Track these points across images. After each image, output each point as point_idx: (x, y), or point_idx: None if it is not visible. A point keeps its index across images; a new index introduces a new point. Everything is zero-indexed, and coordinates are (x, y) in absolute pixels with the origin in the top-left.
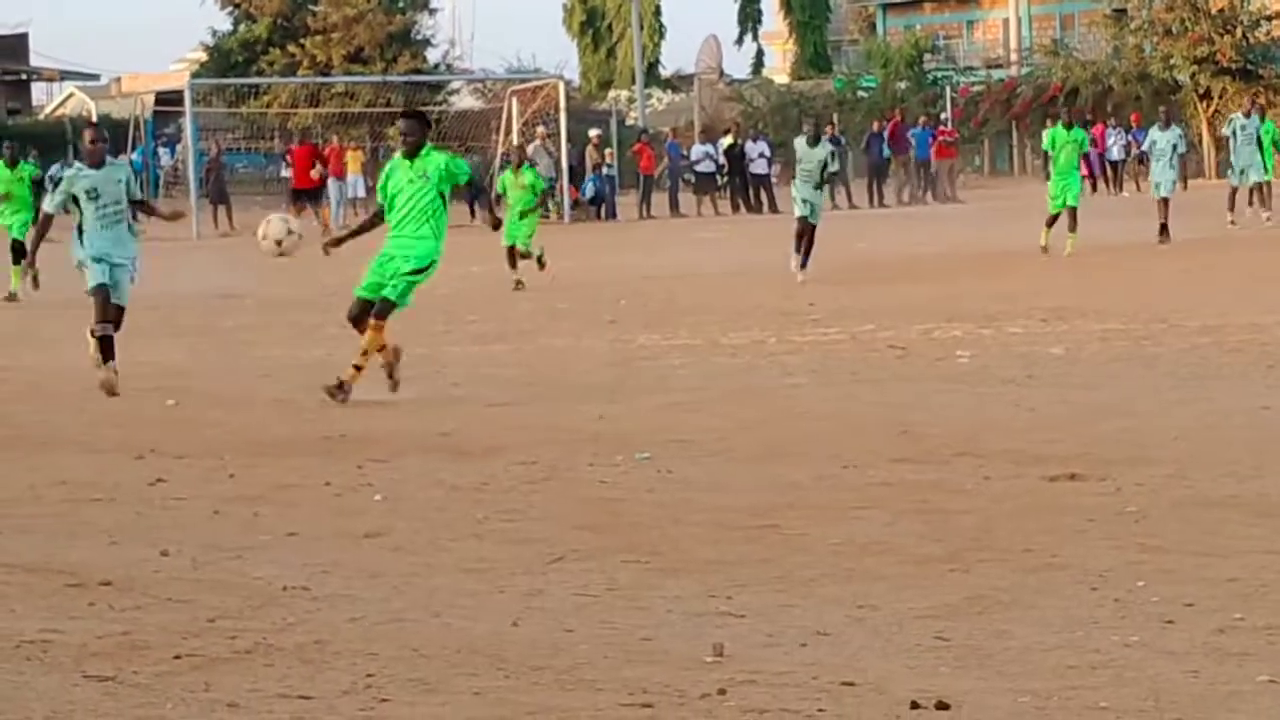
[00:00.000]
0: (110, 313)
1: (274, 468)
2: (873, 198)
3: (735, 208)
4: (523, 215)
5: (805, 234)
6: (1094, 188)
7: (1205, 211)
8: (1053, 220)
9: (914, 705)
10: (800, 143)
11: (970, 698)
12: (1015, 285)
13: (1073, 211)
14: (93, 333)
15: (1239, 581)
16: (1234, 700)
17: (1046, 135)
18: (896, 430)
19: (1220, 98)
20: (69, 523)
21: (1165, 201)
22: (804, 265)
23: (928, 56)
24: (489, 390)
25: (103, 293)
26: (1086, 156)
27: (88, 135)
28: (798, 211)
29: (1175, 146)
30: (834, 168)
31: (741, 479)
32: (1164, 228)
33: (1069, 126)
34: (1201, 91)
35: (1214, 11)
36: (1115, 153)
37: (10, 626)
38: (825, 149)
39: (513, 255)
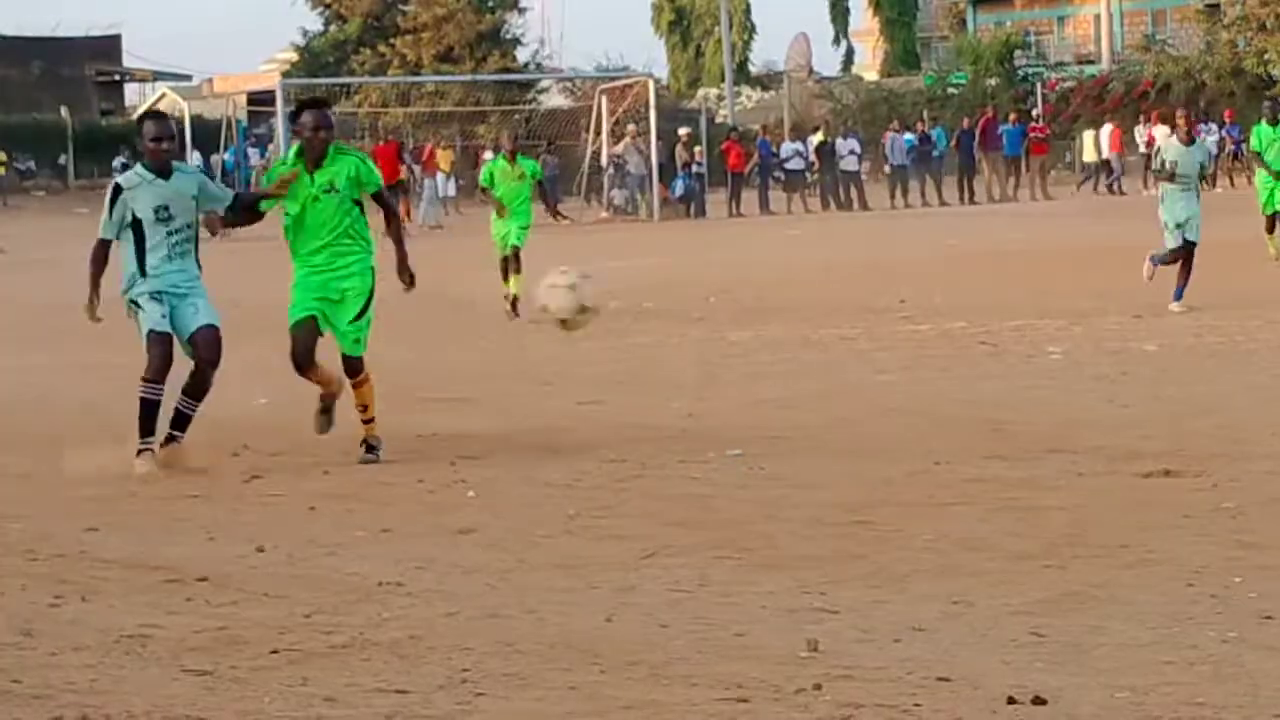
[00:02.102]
0: (165, 366)
1: (368, 466)
2: (963, 194)
3: (825, 205)
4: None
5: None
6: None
7: None
8: (1270, 224)
9: (1010, 700)
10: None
11: (1066, 693)
12: (1107, 282)
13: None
14: (143, 401)
15: None
16: None
17: (1254, 134)
18: (988, 427)
19: None
20: (166, 519)
21: None
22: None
23: (1018, 53)
24: (579, 388)
25: (163, 343)
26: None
27: (150, 129)
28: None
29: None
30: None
31: (833, 475)
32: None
33: (1274, 123)
34: None
35: None
36: (1210, 148)
37: (110, 621)
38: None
39: (511, 264)
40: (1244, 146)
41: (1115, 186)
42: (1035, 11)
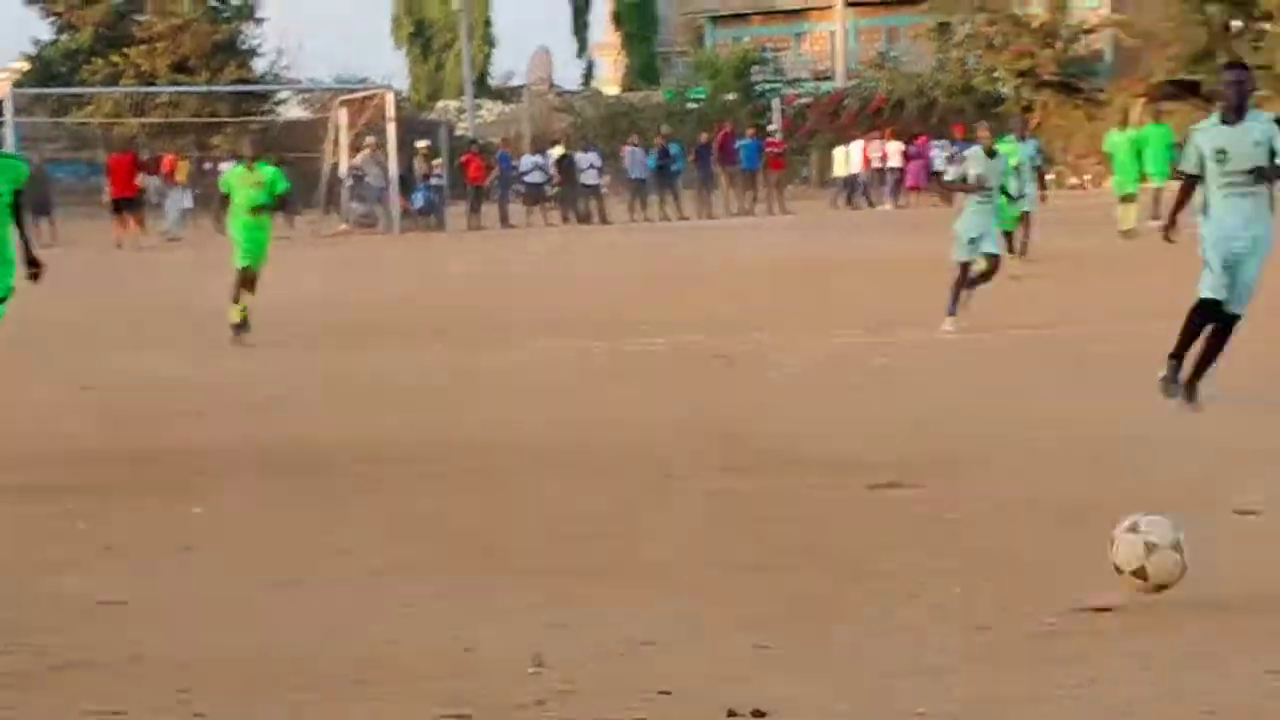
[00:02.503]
0: None
1: (89, 483)
2: (702, 209)
3: (565, 218)
4: (253, 213)
5: None
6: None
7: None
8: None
9: (731, 714)
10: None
11: (787, 705)
12: (841, 295)
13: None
14: None
15: (1052, 585)
16: (1047, 703)
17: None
18: (721, 439)
19: (1042, 110)
20: None
21: (1026, 215)
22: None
23: (755, 68)
24: (307, 406)
25: None
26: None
27: None
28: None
29: (1032, 159)
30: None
31: (567, 489)
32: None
33: (1022, 138)
34: (1024, 104)
35: (1035, 25)
36: (940, 164)
37: None
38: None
39: (246, 283)
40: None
41: (892, 198)
42: (772, 28)
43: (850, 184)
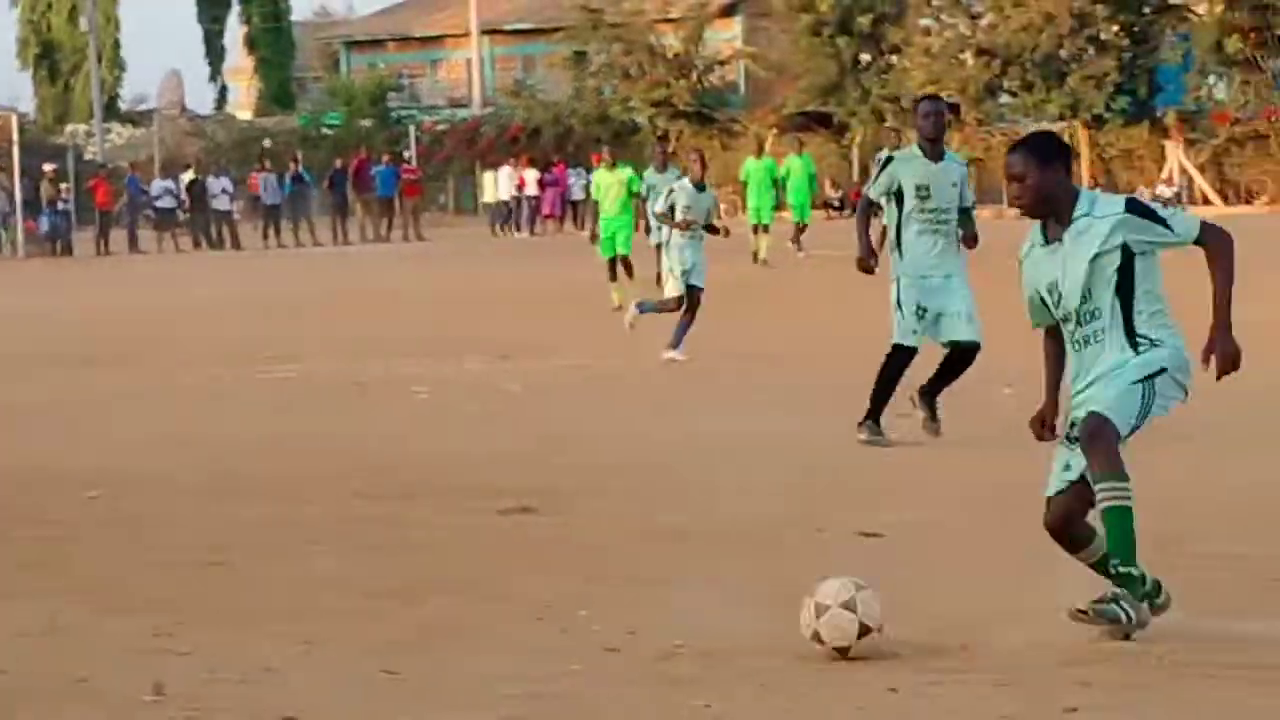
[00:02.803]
0: None
1: None
2: (336, 235)
3: (196, 244)
4: None
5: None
6: (561, 226)
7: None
8: (612, 270)
9: None
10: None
11: None
12: (475, 322)
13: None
14: None
15: (680, 609)
16: None
17: (593, 180)
18: (354, 466)
19: (678, 140)
20: None
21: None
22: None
23: (391, 95)
24: None
25: None
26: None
27: None
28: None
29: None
30: None
31: (192, 516)
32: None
33: (611, 167)
34: (659, 133)
35: (670, 56)
36: (576, 192)
37: None
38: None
39: None
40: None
41: (529, 225)
42: (408, 55)
43: (502, 211)
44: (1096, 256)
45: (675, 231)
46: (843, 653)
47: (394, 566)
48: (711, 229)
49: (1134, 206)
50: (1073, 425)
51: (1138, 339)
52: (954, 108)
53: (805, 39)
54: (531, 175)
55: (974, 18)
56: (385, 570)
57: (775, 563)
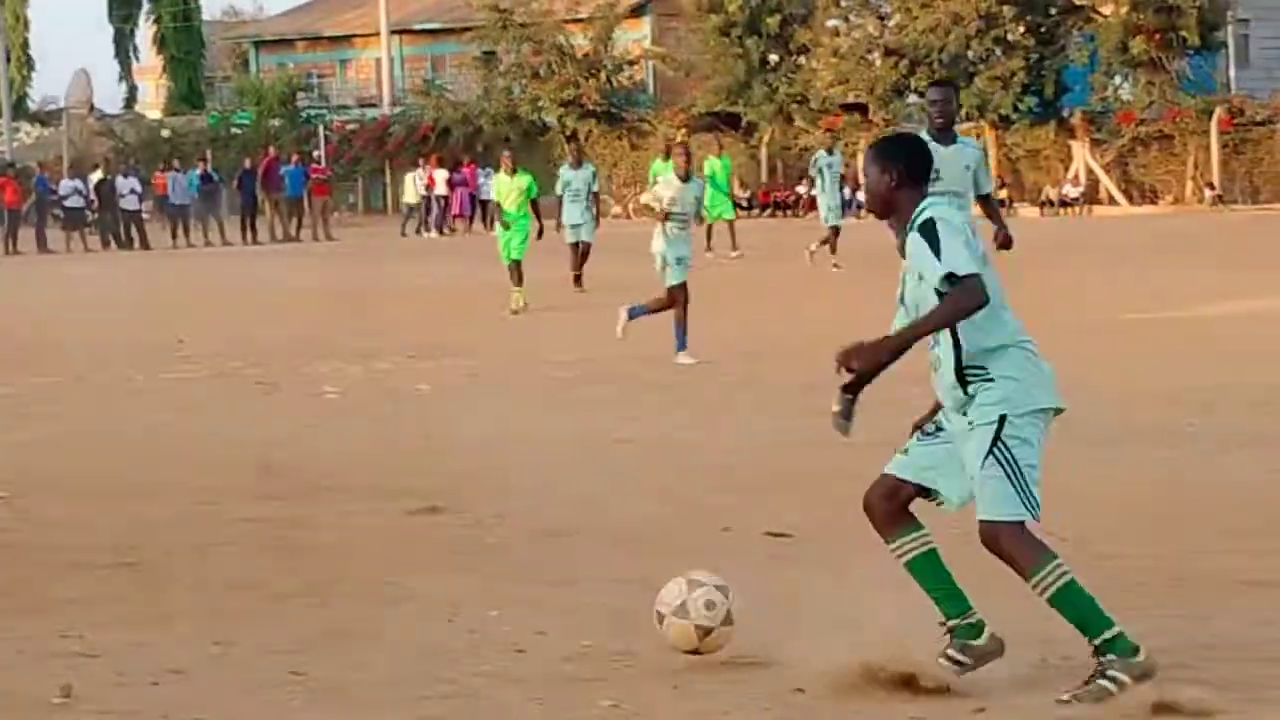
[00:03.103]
0: None
1: None
2: (246, 234)
3: (105, 244)
4: None
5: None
6: (470, 226)
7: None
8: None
9: None
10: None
11: None
12: (384, 322)
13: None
14: None
15: (588, 609)
16: None
17: (494, 184)
18: (260, 466)
19: (586, 140)
20: None
21: (576, 245)
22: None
23: (301, 94)
24: None
25: None
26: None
27: None
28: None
29: (589, 185)
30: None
31: (99, 517)
32: (578, 278)
33: (512, 172)
34: (568, 133)
35: (579, 56)
36: (485, 192)
37: None
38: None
39: None
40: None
41: (438, 226)
42: (318, 54)
43: (420, 209)
44: (920, 276)
45: (666, 224)
46: (695, 653)
47: (303, 567)
48: (699, 219)
49: (924, 228)
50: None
51: (966, 375)
52: (861, 108)
53: (714, 39)
54: (441, 175)
55: (882, 18)
56: (294, 571)
57: (682, 562)
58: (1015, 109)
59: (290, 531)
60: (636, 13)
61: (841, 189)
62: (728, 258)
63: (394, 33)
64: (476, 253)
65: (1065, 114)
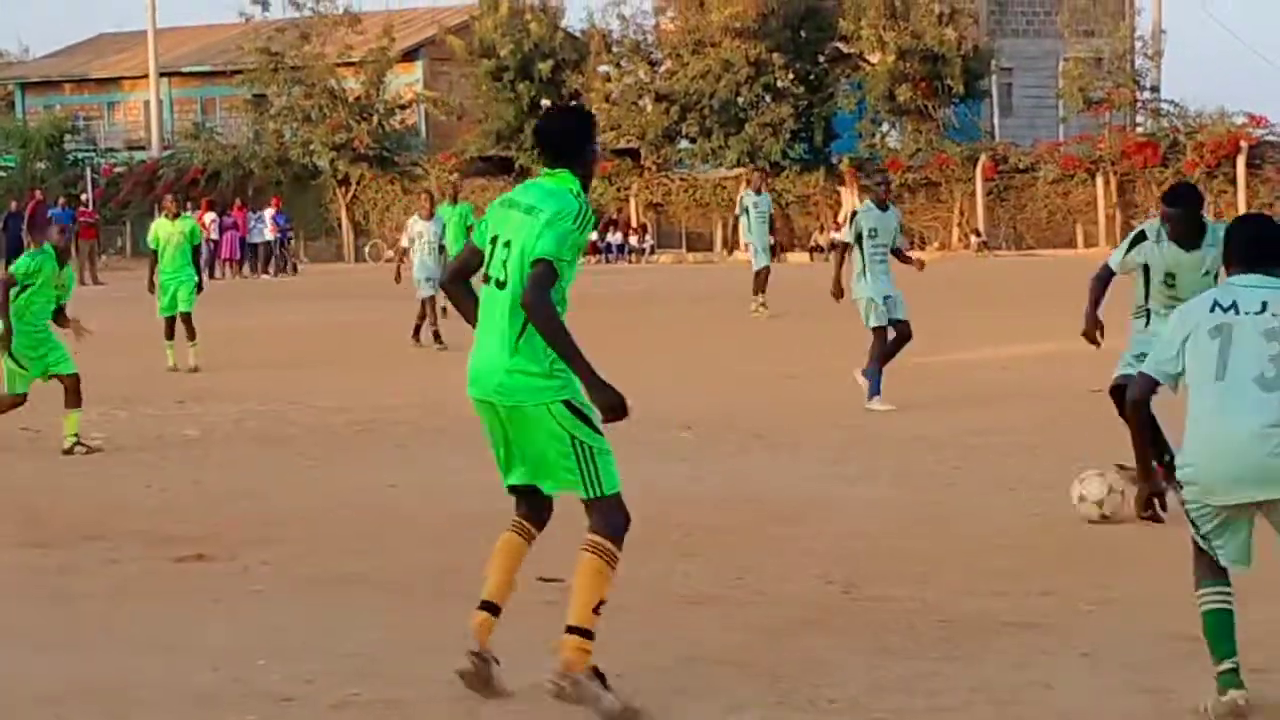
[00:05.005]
0: None
1: None
2: None
3: None
4: None
5: None
6: (240, 270)
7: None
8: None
9: None
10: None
11: None
12: (151, 367)
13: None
14: None
15: (358, 656)
16: None
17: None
18: (23, 513)
19: (359, 183)
20: None
21: (434, 300)
22: None
23: (68, 137)
24: None
25: None
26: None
27: None
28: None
29: (439, 236)
30: None
31: None
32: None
33: (173, 217)
34: (340, 177)
35: (351, 99)
36: (262, 234)
37: None
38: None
39: None
40: (288, 235)
41: (288, 266)
42: (85, 96)
43: (267, 250)
44: None
45: (868, 260)
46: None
47: (64, 617)
48: (897, 254)
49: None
50: None
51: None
52: (633, 153)
53: (486, 84)
54: (210, 219)
55: (653, 64)
56: (55, 621)
57: (454, 609)
58: (785, 155)
59: (54, 579)
60: (409, 57)
61: (771, 229)
62: None
63: (163, 75)
64: (243, 297)
65: (834, 160)
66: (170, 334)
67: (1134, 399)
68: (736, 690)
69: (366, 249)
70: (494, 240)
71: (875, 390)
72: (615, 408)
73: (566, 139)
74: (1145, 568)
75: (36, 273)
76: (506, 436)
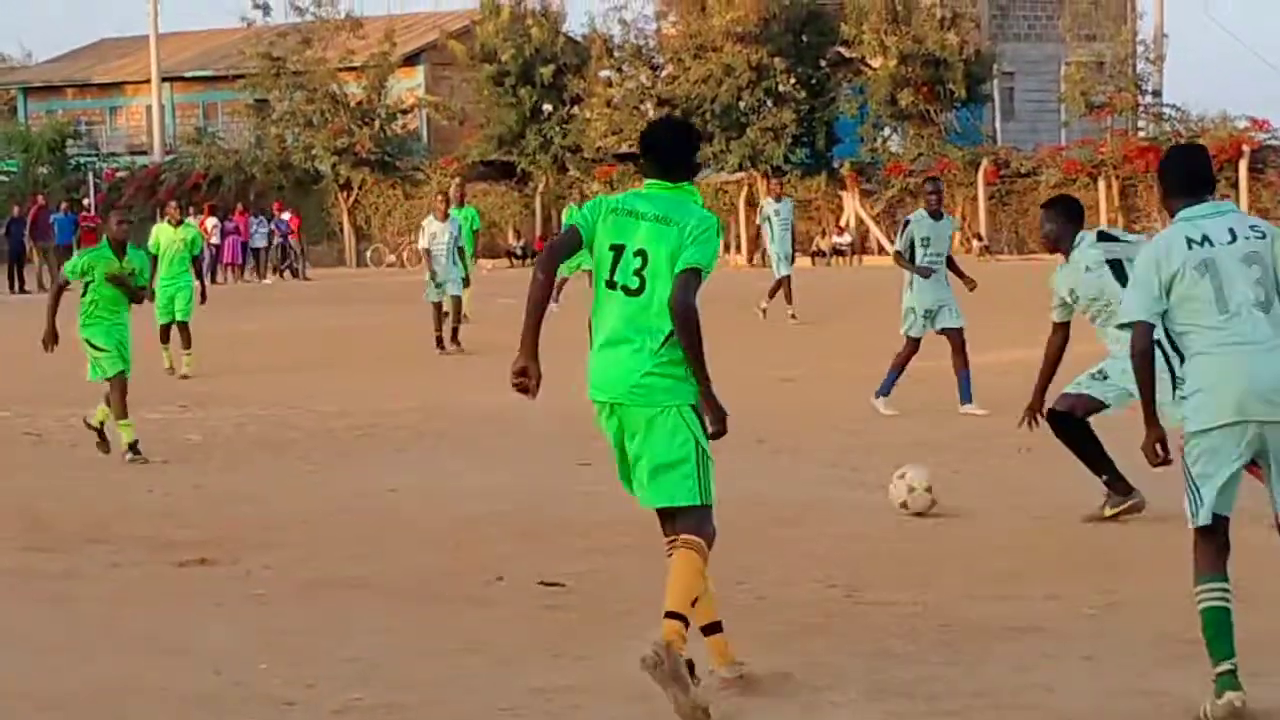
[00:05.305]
0: None
1: None
2: (13, 283)
3: None
4: None
5: None
6: (241, 274)
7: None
8: (164, 334)
9: None
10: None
11: None
12: (154, 371)
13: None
14: None
15: (359, 661)
16: None
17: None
18: (26, 518)
19: (360, 188)
20: None
21: (441, 305)
22: None
23: (70, 142)
24: None
25: None
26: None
27: None
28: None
29: (455, 238)
30: None
31: None
32: (440, 340)
33: (177, 223)
34: (342, 182)
35: (353, 104)
36: (259, 240)
37: None
38: None
39: None
40: (289, 239)
41: (299, 272)
42: (87, 101)
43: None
44: None
45: (918, 268)
46: None
47: (67, 620)
48: (950, 265)
49: None
50: None
51: None
52: (634, 158)
53: (487, 89)
54: (212, 223)
55: (654, 69)
56: (57, 624)
57: (455, 612)
58: (787, 160)
59: (58, 583)
60: (410, 61)
61: (792, 237)
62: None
63: (165, 80)
64: (247, 301)
65: (836, 165)
66: (165, 338)
67: (1140, 350)
68: (737, 693)
69: (368, 254)
70: (615, 248)
71: (885, 391)
72: (724, 421)
73: (682, 152)
74: (1146, 571)
75: (90, 270)
76: (623, 443)
